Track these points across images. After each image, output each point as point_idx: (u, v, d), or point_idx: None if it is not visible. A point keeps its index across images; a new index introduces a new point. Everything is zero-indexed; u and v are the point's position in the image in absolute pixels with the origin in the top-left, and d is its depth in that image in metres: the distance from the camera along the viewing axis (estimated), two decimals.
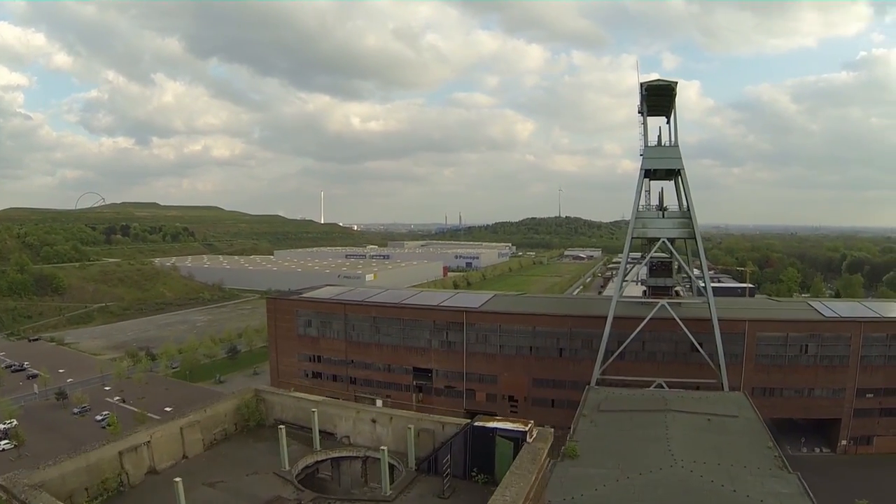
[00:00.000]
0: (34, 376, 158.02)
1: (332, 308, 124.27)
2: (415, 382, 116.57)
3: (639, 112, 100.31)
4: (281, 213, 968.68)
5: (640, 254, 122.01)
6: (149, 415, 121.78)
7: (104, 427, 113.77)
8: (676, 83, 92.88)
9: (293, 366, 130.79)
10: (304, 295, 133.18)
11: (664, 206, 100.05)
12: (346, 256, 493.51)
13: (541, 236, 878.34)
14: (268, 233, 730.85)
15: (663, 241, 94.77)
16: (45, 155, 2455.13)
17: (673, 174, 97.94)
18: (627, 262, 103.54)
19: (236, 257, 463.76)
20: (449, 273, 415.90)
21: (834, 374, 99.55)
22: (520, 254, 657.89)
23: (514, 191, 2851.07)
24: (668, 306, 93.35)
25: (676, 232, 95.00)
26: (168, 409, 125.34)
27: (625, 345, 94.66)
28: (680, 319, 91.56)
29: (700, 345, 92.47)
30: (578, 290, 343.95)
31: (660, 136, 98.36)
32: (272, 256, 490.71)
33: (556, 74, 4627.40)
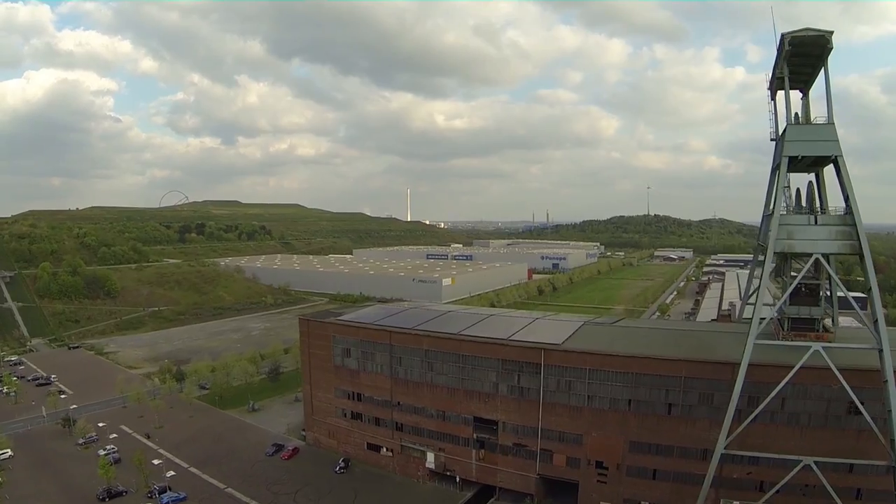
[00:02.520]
0: (62, 393, 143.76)
1: (375, 335, 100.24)
2: (475, 436, 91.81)
3: (770, 84, 77.72)
4: (366, 211, 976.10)
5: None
6: (160, 451, 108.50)
7: (106, 464, 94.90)
8: (832, 33, 64.98)
9: (329, 402, 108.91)
10: (345, 317, 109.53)
11: (816, 207, 72.42)
12: (427, 257, 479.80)
13: (629, 235, 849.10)
14: (349, 230, 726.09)
15: (817, 259, 67.43)
16: (135, 155, 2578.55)
17: (821, 164, 72.63)
18: (757, 285, 75.12)
19: (310, 257, 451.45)
20: (534, 275, 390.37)
21: None
22: (608, 254, 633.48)
23: (601, 188, 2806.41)
24: (822, 351, 65.64)
25: (836, 245, 67.48)
26: (183, 445, 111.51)
27: (763, 405, 67.96)
28: (838, 369, 64.49)
29: (862, 403, 65.21)
30: (672, 296, 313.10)
31: (796, 116, 71.50)
32: (349, 256, 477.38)
33: (639, 69, 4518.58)
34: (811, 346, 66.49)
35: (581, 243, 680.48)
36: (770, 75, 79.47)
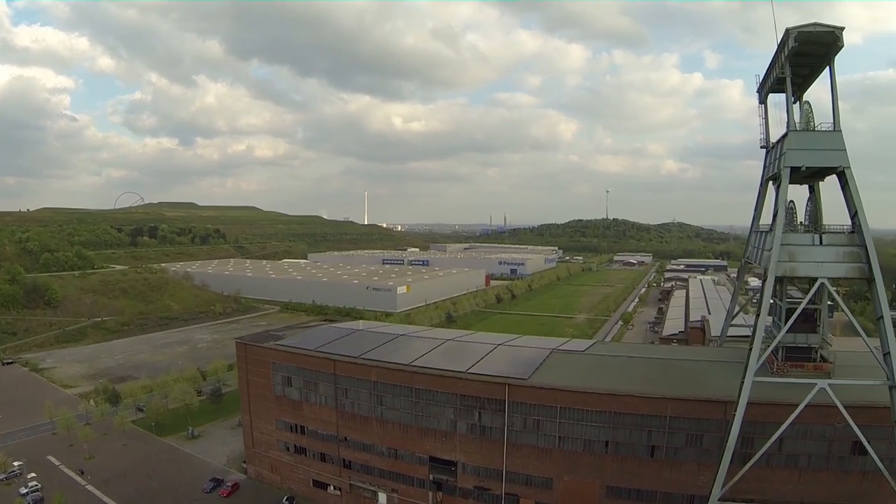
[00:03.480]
0: None
1: (318, 364, 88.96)
2: (432, 477, 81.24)
3: (760, 86, 71.21)
4: (323, 214, 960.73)
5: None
6: (88, 487, 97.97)
7: None
8: (842, 29, 56.26)
9: (271, 434, 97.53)
10: (286, 341, 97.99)
11: (820, 224, 63.89)
12: (383, 262, 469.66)
13: (588, 239, 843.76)
14: (305, 234, 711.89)
15: (822, 284, 58.89)
16: (91, 155, 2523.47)
17: (819, 176, 65.44)
18: (756, 311, 66.61)
19: (264, 262, 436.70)
20: (492, 282, 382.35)
21: None
22: (567, 258, 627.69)
23: (559, 191, 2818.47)
24: (829, 389, 56.87)
25: (843, 269, 58.54)
26: (114, 481, 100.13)
27: (765, 448, 59.03)
28: (845, 407, 56.03)
29: (868, 442, 57.16)
30: (634, 303, 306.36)
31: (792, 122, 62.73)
32: (304, 261, 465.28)
33: (598, 74, 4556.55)
34: (816, 384, 57.66)
35: (539, 247, 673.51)
36: (760, 77, 71.59)
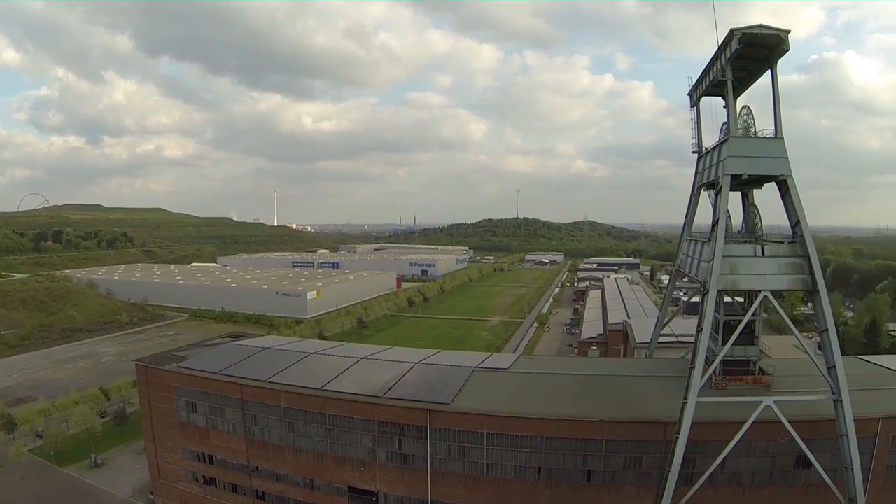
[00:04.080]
0: None
1: (224, 388, 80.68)
2: None
3: (692, 89, 69.44)
4: (232, 215, 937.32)
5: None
6: None
7: None
8: (788, 32, 53.14)
9: (178, 464, 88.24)
10: (189, 362, 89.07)
11: (760, 233, 60.84)
12: (293, 265, 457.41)
13: (498, 239, 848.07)
14: (214, 236, 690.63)
15: (766, 298, 56.28)
16: None
17: (756, 184, 62.70)
18: (697, 326, 63.30)
19: (172, 267, 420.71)
20: (403, 284, 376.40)
21: None
22: (478, 258, 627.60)
23: (469, 191, 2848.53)
24: (774, 406, 54.16)
25: (786, 281, 55.98)
26: None
27: (711, 469, 56.73)
28: (789, 421, 54.42)
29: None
30: (548, 304, 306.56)
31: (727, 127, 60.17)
32: (213, 265, 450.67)
33: (509, 75, 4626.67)
34: (762, 401, 54.79)
35: (450, 247, 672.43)
36: (693, 80, 69.08)
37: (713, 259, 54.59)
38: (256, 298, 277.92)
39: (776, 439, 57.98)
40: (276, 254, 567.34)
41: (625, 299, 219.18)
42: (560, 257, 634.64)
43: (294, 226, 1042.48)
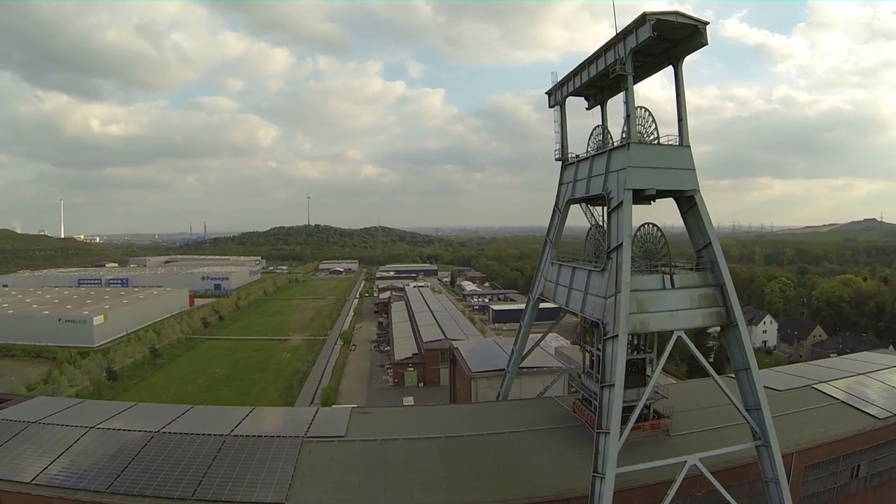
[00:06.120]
0: None
1: None
2: None
3: (557, 86, 60.73)
4: (16, 227, 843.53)
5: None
6: None
7: None
8: (707, 23, 44.21)
9: None
10: None
11: (669, 264, 50.65)
12: (79, 283, 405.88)
13: (291, 247, 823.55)
14: None
15: (679, 338, 46.78)
16: None
17: (647, 199, 51.44)
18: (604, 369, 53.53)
19: None
20: (196, 300, 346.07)
21: (884, 493, 61.63)
22: (271, 268, 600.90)
23: (259, 198, 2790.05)
24: (700, 465, 45.49)
25: (701, 316, 47.36)
26: None
27: None
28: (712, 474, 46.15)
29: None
30: (349, 318, 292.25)
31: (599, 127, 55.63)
32: None
33: (301, 79, 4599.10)
34: (686, 461, 45.20)
35: (242, 258, 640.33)
36: (556, 77, 59.46)
37: (617, 295, 44.01)
38: (37, 326, 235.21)
39: (692, 494, 48.58)
40: (61, 270, 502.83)
41: (434, 311, 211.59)
42: (355, 265, 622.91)
43: (82, 237, 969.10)
